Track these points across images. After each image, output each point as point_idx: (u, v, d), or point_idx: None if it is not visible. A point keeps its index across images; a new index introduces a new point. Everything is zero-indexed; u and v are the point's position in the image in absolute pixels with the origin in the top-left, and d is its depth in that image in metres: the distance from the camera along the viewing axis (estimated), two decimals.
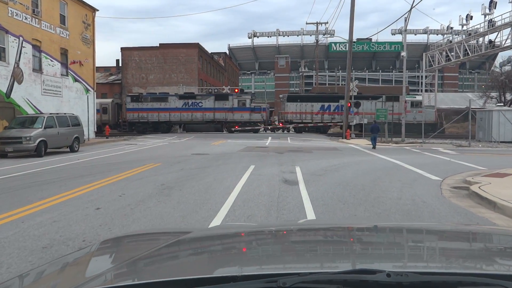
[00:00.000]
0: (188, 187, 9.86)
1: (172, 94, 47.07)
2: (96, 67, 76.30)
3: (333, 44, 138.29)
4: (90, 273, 1.63)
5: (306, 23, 47.64)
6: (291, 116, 45.47)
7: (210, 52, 76.94)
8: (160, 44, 64.91)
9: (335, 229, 2.47)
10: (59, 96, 27.40)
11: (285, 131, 45.84)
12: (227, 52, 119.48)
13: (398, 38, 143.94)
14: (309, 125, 45.28)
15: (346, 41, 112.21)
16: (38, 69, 25.19)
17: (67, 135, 20.07)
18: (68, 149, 20.62)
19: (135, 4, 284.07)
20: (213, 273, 1.48)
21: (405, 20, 28.65)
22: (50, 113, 20.66)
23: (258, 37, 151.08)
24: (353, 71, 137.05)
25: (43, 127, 18.42)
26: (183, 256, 1.91)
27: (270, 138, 34.22)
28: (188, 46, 64.59)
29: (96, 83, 68.23)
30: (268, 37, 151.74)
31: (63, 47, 27.75)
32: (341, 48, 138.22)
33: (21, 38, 23.45)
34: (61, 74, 27.73)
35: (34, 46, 24.75)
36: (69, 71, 28.62)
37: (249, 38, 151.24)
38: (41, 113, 22.80)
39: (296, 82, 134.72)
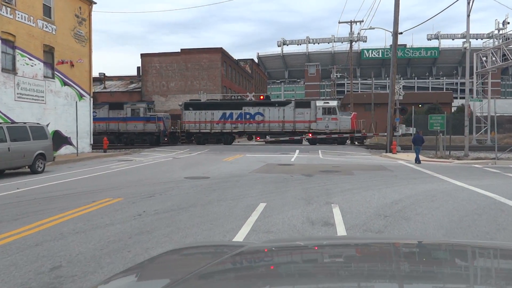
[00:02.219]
0: None
1: None
2: (122, 76, 73.39)
3: (365, 51, 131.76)
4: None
5: (339, 22, 42.25)
6: (188, 126, 40.13)
7: (236, 59, 72.09)
8: (181, 49, 60.63)
9: (388, 245, 2.29)
10: (41, 102, 22.67)
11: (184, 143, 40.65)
12: (256, 61, 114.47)
13: (434, 43, 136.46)
14: (208, 134, 40.16)
15: (379, 47, 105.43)
16: (10, 69, 20.51)
17: (24, 151, 15.10)
18: (30, 170, 15.73)
19: (169, 17, 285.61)
20: None
21: (468, 4, 22.61)
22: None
23: (287, 45, 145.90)
24: (387, 78, 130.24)
25: None
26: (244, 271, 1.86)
27: (297, 151, 28.60)
28: (211, 51, 60.00)
29: (115, 91, 65.18)
30: (297, 45, 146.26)
31: (47, 44, 23.07)
32: (373, 55, 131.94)
33: None
34: (45, 76, 23.00)
35: (5, 41, 20.10)
36: (55, 72, 23.91)
37: (278, 46, 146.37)
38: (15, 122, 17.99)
39: (327, 90, 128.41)
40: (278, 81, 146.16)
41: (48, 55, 23.37)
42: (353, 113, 41.09)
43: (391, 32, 26.08)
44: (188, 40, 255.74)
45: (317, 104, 38.29)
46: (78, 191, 10.96)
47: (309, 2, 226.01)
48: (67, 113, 24.54)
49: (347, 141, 38.06)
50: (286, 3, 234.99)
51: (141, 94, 61.20)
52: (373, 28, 27.67)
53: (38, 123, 16.94)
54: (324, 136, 37.48)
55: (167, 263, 2.05)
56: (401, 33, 25.20)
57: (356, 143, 38.36)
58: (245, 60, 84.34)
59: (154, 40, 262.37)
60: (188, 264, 2.02)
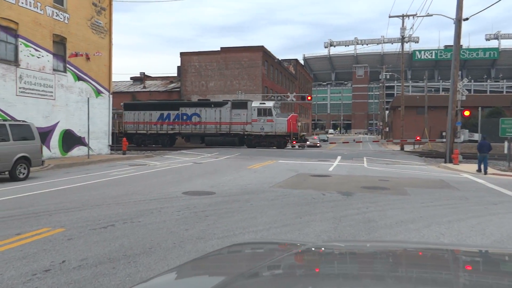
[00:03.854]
0: None
1: None
2: (164, 76, 71.59)
3: (417, 52, 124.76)
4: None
5: (389, 16, 38.43)
6: (127, 127, 38.92)
7: (280, 58, 68.68)
8: (221, 48, 58.03)
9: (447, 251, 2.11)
10: (50, 98, 20.37)
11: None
12: (302, 63, 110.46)
13: (493, 43, 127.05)
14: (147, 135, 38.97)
15: (432, 48, 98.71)
16: (11, 60, 18.25)
17: (1, 155, 12.55)
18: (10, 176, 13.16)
19: (219, 21, 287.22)
20: None
21: None
22: None
23: (334, 47, 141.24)
24: (440, 81, 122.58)
25: None
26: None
27: (339, 157, 24.96)
28: (252, 49, 56.98)
29: (154, 91, 63.45)
30: (345, 46, 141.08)
31: (58, 34, 20.78)
32: (426, 56, 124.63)
33: None
34: (54, 69, 20.71)
35: (5, 28, 17.89)
36: (68, 66, 21.61)
37: (325, 47, 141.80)
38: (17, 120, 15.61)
39: (375, 93, 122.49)
40: (324, 83, 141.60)
41: (59, 46, 21.08)
42: (291, 114, 38.57)
43: (453, 19, 21.93)
44: (237, 43, 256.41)
45: (252, 105, 36.08)
46: (23, 213, 8.06)
47: (358, 4, 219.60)
48: (81, 110, 22.18)
49: (288, 144, 36.34)
50: (335, 5, 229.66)
51: (180, 93, 59.25)
52: (431, 15, 23.58)
53: (24, 121, 14.39)
54: (263, 134, 35.67)
55: (225, 258, 2.06)
56: (467, 19, 21.00)
57: (297, 146, 36.99)
58: (288, 60, 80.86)
59: (204, 43, 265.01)
60: (249, 259, 2.03)
